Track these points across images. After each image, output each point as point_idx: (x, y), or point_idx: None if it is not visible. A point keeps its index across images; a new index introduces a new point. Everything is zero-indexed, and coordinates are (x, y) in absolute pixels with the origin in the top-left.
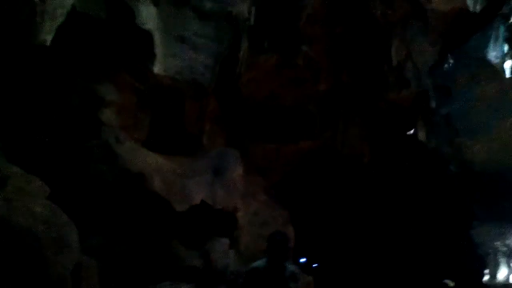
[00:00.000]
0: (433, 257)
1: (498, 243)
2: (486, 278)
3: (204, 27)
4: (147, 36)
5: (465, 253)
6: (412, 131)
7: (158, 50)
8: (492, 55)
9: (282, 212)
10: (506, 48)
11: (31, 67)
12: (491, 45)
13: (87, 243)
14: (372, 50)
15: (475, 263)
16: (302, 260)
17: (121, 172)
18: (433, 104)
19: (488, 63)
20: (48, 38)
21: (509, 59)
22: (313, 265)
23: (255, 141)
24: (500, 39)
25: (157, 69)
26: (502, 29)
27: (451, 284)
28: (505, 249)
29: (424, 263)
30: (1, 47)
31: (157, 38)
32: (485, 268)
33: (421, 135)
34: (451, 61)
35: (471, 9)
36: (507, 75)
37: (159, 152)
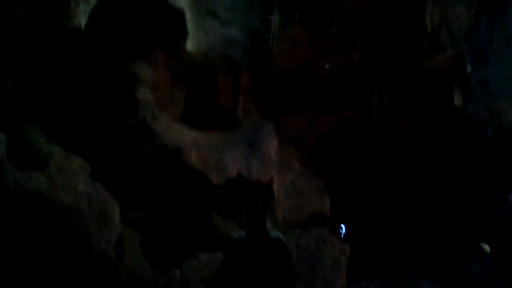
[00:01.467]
0: (470, 221)
1: None
2: None
3: (234, 1)
4: (179, 13)
5: (502, 217)
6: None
7: (190, 27)
8: None
9: (317, 182)
10: None
11: (67, 50)
12: None
13: (128, 217)
14: (406, 16)
15: None
16: (341, 229)
17: (158, 148)
18: (469, 69)
19: None
20: (82, 22)
21: None
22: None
23: (289, 113)
24: None
25: (189, 45)
26: None
27: (487, 248)
28: None
29: (461, 227)
30: (39, 32)
31: (189, 15)
32: None
33: (458, 101)
34: (487, 25)
35: None
36: None
37: (195, 127)
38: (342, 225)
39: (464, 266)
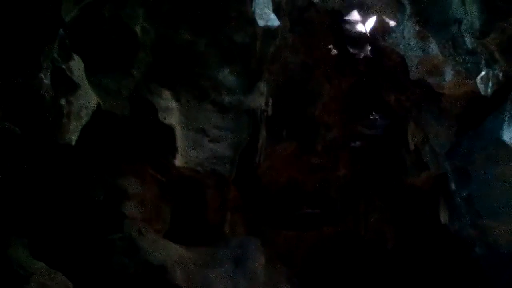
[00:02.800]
0: None
1: None
2: None
3: (223, 119)
4: (169, 130)
5: None
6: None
7: (180, 143)
8: (507, 136)
9: None
10: None
11: (56, 164)
12: (505, 126)
13: None
14: (388, 135)
15: None
16: None
17: (143, 264)
18: (453, 186)
19: (503, 144)
20: (73, 138)
21: None
22: None
23: (276, 229)
24: None
25: (178, 161)
26: None
27: None
28: None
29: None
30: (31, 148)
31: (179, 131)
32: None
33: (443, 218)
34: (468, 143)
35: (482, 93)
36: None
37: (181, 242)
38: None
39: None
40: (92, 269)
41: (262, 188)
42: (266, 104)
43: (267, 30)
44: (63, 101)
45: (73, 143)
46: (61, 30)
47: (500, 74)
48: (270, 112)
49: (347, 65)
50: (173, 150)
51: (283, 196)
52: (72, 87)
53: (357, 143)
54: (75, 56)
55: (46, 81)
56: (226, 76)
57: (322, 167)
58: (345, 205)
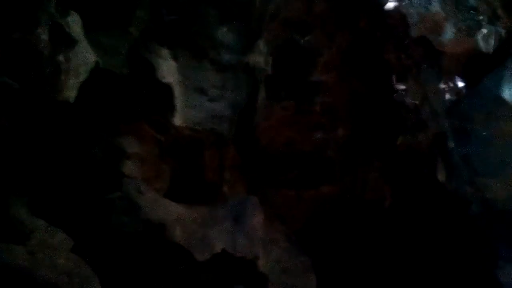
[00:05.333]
0: None
1: None
2: None
3: (222, 78)
4: (167, 89)
5: None
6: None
7: (178, 102)
8: (507, 93)
9: (304, 259)
10: None
11: (54, 122)
12: (506, 83)
13: None
14: (389, 94)
15: None
16: None
17: (143, 223)
18: (452, 145)
19: (503, 101)
20: (72, 95)
21: None
22: None
23: (275, 188)
24: None
25: (177, 120)
26: None
27: None
28: None
29: None
30: (29, 103)
31: (177, 90)
32: None
33: (441, 176)
34: (468, 101)
35: (483, 50)
36: None
37: (181, 201)
38: None
39: None
40: (92, 227)
41: (261, 148)
42: (266, 63)
43: None
44: (61, 57)
45: (72, 100)
46: None
47: (503, 31)
48: (269, 72)
49: (347, 22)
50: (172, 109)
51: (282, 155)
52: (70, 43)
53: (357, 102)
54: (73, 12)
55: (44, 37)
56: (225, 34)
57: (321, 127)
58: (344, 165)
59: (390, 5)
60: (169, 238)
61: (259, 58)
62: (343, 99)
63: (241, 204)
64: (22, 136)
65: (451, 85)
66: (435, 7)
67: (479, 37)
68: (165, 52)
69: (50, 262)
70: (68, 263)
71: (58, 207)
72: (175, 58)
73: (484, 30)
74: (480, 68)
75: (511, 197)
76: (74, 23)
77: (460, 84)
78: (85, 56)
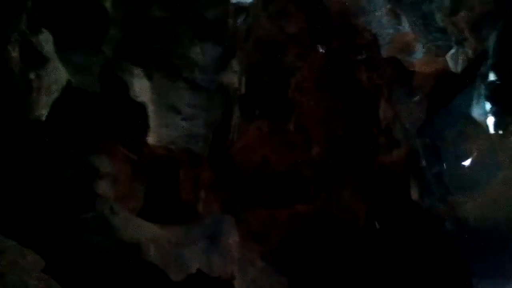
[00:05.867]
0: None
1: None
2: None
3: (196, 97)
4: (141, 108)
5: None
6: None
7: (152, 121)
8: (476, 112)
9: (280, 279)
10: (487, 105)
11: (25, 140)
12: (475, 103)
13: None
14: (360, 114)
15: None
16: None
17: (116, 242)
18: (424, 163)
19: (473, 121)
20: (44, 113)
21: (492, 115)
22: None
23: (250, 207)
24: (482, 97)
25: (151, 139)
26: (482, 88)
27: None
28: None
29: None
30: None
31: (151, 109)
32: None
33: (414, 195)
34: (438, 120)
35: (452, 70)
36: (491, 131)
37: (155, 221)
38: None
39: None
40: (64, 247)
41: (236, 167)
42: (239, 82)
43: (239, 7)
44: (32, 75)
45: (43, 118)
46: (29, 2)
47: (470, 52)
48: (243, 91)
49: (319, 43)
50: (145, 128)
51: (256, 174)
52: (41, 61)
53: (330, 121)
54: (45, 30)
55: (15, 54)
56: (199, 54)
57: (295, 146)
58: (318, 184)
59: (361, 26)
60: (144, 258)
61: (232, 77)
62: (317, 118)
63: (216, 223)
64: None
65: (422, 104)
66: (405, 28)
67: (448, 57)
68: (138, 71)
69: (21, 283)
70: (39, 284)
71: (30, 227)
72: (148, 77)
73: (453, 51)
74: (450, 87)
75: (483, 215)
76: (46, 41)
77: (431, 103)
78: (56, 74)
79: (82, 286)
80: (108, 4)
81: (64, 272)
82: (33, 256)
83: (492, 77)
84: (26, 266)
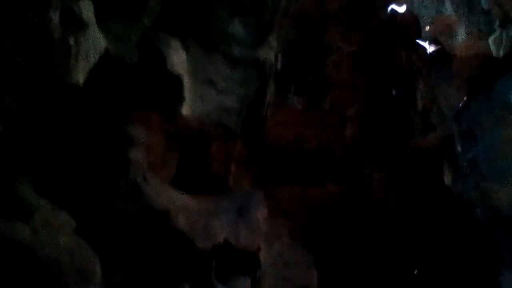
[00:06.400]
0: None
1: None
2: None
3: (232, 72)
4: (177, 79)
5: None
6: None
7: (187, 93)
8: None
9: (306, 255)
10: None
11: (63, 105)
12: None
13: (110, 280)
14: (398, 95)
15: None
16: None
17: (147, 209)
18: (459, 149)
19: None
20: (81, 79)
21: None
22: None
23: (280, 184)
24: None
25: (185, 111)
26: None
27: None
28: None
29: None
30: (37, 84)
31: (187, 81)
32: None
33: (447, 180)
34: (477, 105)
35: (494, 54)
36: None
37: (186, 191)
38: None
39: None
40: (95, 210)
41: (268, 143)
42: (276, 58)
43: None
44: (71, 41)
45: (81, 83)
46: None
47: None
48: (279, 67)
49: (359, 21)
50: (181, 100)
51: (289, 152)
52: (81, 27)
53: (366, 102)
54: None
55: (56, 19)
56: (236, 28)
57: (329, 125)
58: (350, 164)
59: (403, 5)
60: (173, 225)
61: (269, 53)
62: (352, 98)
63: (245, 197)
64: (30, 117)
65: (461, 88)
66: (448, 9)
67: (490, 41)
68: (176, 43)
69: (52, 241)
70: (70, 243)
71: (63, 189)
72: (186, 49)
73: (496, 34)
74: (490, 72)
75: None
76: (86, 8)
77: (470, 88)
78: (95, 42)
79: (111, 248)
80: None
81: (94, 234)
82: (65, 216)
83: None
84: (58, 225)
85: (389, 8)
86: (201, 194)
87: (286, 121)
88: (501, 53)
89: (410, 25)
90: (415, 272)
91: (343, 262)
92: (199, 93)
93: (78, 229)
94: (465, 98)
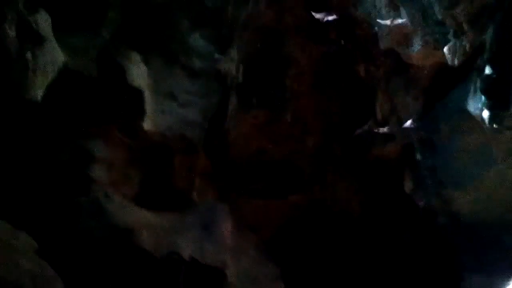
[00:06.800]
0: None
1: None
2: None
3: (193, 84)
4: (137, 93)
5: None
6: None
7: (148, 106)
8: (472, 106)
9: (273, 268)
10: (483, 99)
11: (21, 121)
12: (470, 97)
13: None
14: (357, 105)
15: None
16: None
17: (110, 228)
18: (419, 157)
19: (468, 115)
20: (40, 94)
21: (486, 109)
22: None
23: (245, 196)
24: (478, 91)
25: (147, 125)
26: (478, 81)
27: None
28: None
29: None
30: None
31: (147, 95)
32: None
33: (408, 188)
34: (434, 113)
35: (449, 63)
36: (486, 124)
37: (149, 207)
38: None
39: None
40: (57, 230)
41: (231, 156)
42: (237, 70)
43: None
44: (29, 55)
45: (39, 99)
46: None
47: (468, 45)
48: (241, 79)
49: (318, 33)
50: (142, 114)
51: (251, 164)
52: (38, 41)
53: (327, 112)
54: (42, 10)
55: (11, 33)
56: (197, 40)
57: (291, 136)
58: (313, 175)
59: (360, 17)
60: (137, 244)
61: (230, 65)
62: (314, 109)
63: (210, 211)
64: None
65: (419, 97)
66: (404, 19)
67: (445, 50)
68: (136, 56)
69: (13, 264)
70: (31, 265)
71: (23, 209)
72: (146, 62)
73: (451, 44)
74: (447, 81)
75: (477, 210)
76: (43, 21)
77: (428, 96)
78: (53, 55)
79: (73, 268)
80: None
81: (56, 254)
82: (25, 237)
83: (488, 70)
84: (18, 247)
85: (347, 20)
86: (165, 210)
87: (248, 133)
88: (456, 62)
89: (367, 36)
90: (379, 280)
91: (310, 273)
92: (161, 107)
93: (39, 250)
94: (422, 107)
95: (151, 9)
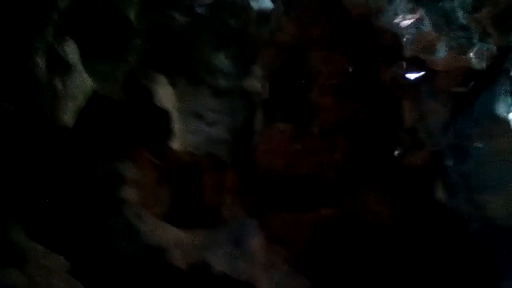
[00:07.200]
0: None
1: None
2: None
3: (219, 103)
4: (165, 114)
5: None
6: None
7: (176, 127)
8: (501, 109)
9: (304, 282)
10: (510, 101)
11: (53, 147)
12: (499, 100)
13: None
14: (384, 115)
15: None
16: None
17: (143, 247)
18: (449, 163)
19: (498, 118)
20: (70, 120)
21: None
22: None
23: (274, 211)
24: (507, 93)
25: (175, 145)
26: (506, 84)
27: None
28: None
29: None
30: (25, 127)
31: (175, 115)
32: None
33: (440, 195)
34: (463, 118)
35: (476, 67)
36: None
37: (180, 225)
38: None
39: None
40: (90, 251)
41: (260, 171)
42: (262, 87)
43: (261, 13)
44: (58, 83)
45: (70, 125)
46: (55, 14)
47: (494, 48)
48: (266, 96)
49: (341, 45)
50: (170, 134)
51: (280, 178)
52: (67, 69)
53: (354, 124)
54: (70, 40)
55: (41, 63)
56: (221, 60)
57: (318, 149)
58: (342, 187)
59: (382, 27)
60: (169, 261)
61: (255, 82)
62: (340, 121)
63: (240, 227)
64: (20, 161)
65: (447, 103)
66: (427, 26)
67: (471, 54)
68: (162, 78)
69: (46, 284)
70: (63, 284)
71: (56, 231)
72: (172, 84)
73: (476, 48)
74: (474, 85)
75: (511, 214)
76: (71, 50)
77: (456, 102)
78: (82, 83)
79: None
80: (132, 16)
81: (89, 275)
82: (59, 259)
83: None
84: (52, 268)
85: (370, 30)
86: (196, 228)
87: (276, 148)
88: (483, 65)
89: (391, 45)
90: None
91: (340, 285)
92: (188, 126)
93: (72, 271)
94: (451, 113)
95: (175, 32)
